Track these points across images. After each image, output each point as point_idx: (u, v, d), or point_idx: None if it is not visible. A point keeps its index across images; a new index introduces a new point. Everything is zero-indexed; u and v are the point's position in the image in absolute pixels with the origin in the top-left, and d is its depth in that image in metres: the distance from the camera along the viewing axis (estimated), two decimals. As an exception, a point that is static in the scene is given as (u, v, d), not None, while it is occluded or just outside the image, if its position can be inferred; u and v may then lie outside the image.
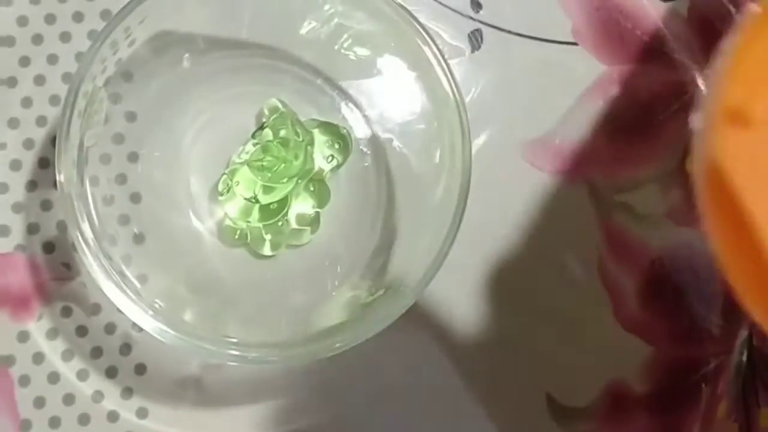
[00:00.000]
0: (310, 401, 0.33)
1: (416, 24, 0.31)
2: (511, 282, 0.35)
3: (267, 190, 0.32)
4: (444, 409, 0.34)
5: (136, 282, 0.31)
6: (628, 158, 0.36)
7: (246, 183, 0.32)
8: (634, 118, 0.36)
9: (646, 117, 0.36)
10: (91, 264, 0.29)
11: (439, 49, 0.31)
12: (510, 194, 0.35)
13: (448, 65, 0.31)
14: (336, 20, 0.34)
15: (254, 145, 0.33)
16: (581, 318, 0.35)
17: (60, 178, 0.29)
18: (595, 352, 0.35)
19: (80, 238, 0.29)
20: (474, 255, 0.34)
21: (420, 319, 0.32)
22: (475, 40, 0.36)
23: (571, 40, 0.36)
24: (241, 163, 0.33)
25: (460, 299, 0.34)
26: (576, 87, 0.36)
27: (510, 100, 0.35)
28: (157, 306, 0.30)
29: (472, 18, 0.36)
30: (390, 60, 0.34)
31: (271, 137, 0.33)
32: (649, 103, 0.36)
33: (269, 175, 0.32)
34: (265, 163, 0.32)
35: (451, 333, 0.34)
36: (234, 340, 0.30)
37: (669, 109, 0.37)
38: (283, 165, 0.32)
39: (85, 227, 0.29)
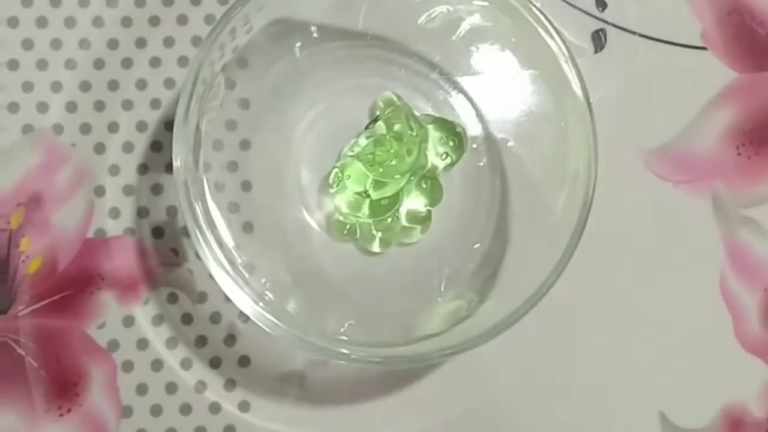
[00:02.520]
0: (411, 406, 0.32)
1: (543, 18, 0.30)
2: (628, 294, 0.33)
3: (378, 185, 0.31)
4: (552, 419, 0.33)
5: (244, 271, 0.30)
6: (756, 171, 0.34)
7: (357, 177, 0.32)
8: (763, 129, 0.34)
9: (777, 128, 0.34)
10: (204, 251, 0.28)
11: (567, 46, 0.30)
12: (630, 203, 0.34)
13: (576, 64, 0.30)
14: (455, 12, 0.32)
15: (366, 138, 0.32)
16: (699, 335, 0.33)
17: (176, 163, 0.28)
18: (713, 372, 0.33)
19: (194, 224, 0.28)
20: (590, 264, 0.33)
21: (532, 327, 0.31)
22: (599, 39, 0.34)
23: (700, 44, 0.34)
24: (353, 156, 0.32)
25: (575, 309, 0.33)
26: (703, 94, 0.34)
27: (633, 105, 0.34)
28: (266, 297, 0.29)
29: (596, 17, 0.34)
30: (510, 56, 0.32)
31: (384, 131, 0.32)
32: (781, 113, 0.35)
33: (381, 169, 0.31)
34: (377, 158, 0.31)
35: (564, 343, 0.33)
36: (344, 338, 0.30)
37: (801, 121, 0.35)
38: (395, 160, 0.31)
39: (199, 214, 0.29)
